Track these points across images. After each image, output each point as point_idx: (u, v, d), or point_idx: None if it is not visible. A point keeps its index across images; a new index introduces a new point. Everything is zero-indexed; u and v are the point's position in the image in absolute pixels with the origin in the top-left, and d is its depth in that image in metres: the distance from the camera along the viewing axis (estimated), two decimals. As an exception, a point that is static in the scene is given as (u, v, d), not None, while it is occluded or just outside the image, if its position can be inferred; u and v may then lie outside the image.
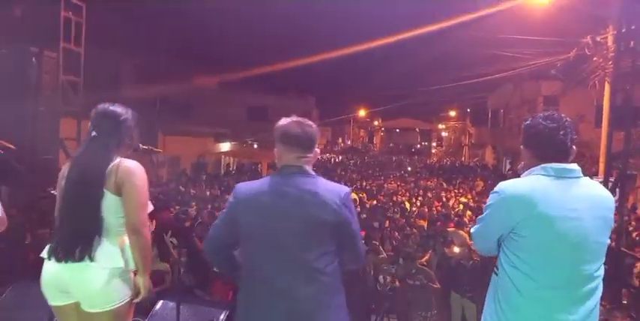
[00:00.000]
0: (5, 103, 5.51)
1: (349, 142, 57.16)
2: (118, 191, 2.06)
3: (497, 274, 1.89)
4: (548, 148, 1.85)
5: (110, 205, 2.06)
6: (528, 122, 1.93)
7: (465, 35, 14.78)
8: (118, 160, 2.13)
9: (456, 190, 16.47)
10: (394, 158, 39.82)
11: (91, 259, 2.00)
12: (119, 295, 2.06)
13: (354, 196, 13.11)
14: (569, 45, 11.33)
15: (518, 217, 1.77)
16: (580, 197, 1.80)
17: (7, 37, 5.89)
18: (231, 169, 20.06)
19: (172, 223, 8.51)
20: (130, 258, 2.09)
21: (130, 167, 2.13)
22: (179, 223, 8.37)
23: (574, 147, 1.89)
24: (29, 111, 5.79)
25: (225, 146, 21.96)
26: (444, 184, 18.86)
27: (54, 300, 2.08)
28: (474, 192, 16.05)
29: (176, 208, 9.57)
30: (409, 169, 27.10)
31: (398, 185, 17.80)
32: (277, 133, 2.00)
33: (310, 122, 2.03)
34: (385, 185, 17.56)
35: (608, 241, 1.87)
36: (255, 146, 25.40)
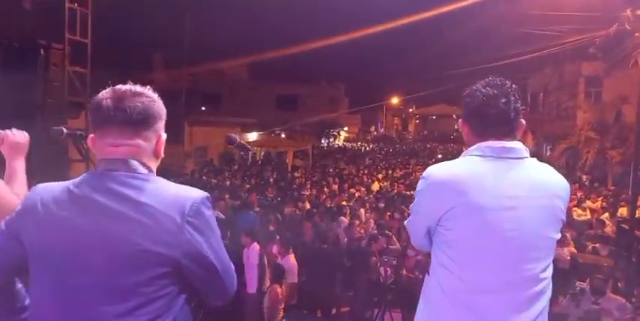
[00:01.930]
0: (15, 95, 5.64)
1: (382, 130, 56.37)
2: None
3: (428, 274, 1.56)
4: (485, 120, 1.50)
5: None
6: (467, 91, 1.56)
7: (497, 12, 13.95)
8: None
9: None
10: (428, 146, 38.92)
11: None
12: None
13: (375, 186, 12.95)
14: (607, 20, 10.45)
15: (445, 207, 1.44)
16: (521, 182, 1.45)
17: (18, 30, 6.01)
18: (258, 159, 20.18)
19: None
20: None
21: None
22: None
23: (521, 120, 1.53)
24: (38, 102, 5.89)
25: (252, 136, 22.08)
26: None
27: None
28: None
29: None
30: (439, 156, 26.39)
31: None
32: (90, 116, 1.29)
33: (147, 91, 1.26)
34: (414, 174, 17.14)
35: (558, 235, 1.49)
36: (283, 136, 25.44)
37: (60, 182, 1.25)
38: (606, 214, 8.71)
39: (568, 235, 6.64)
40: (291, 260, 5.47)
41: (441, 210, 1.45)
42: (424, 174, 1.53)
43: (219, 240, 1.25)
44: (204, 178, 13.01)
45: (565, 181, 1.54)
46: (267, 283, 5.24)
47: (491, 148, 1.47)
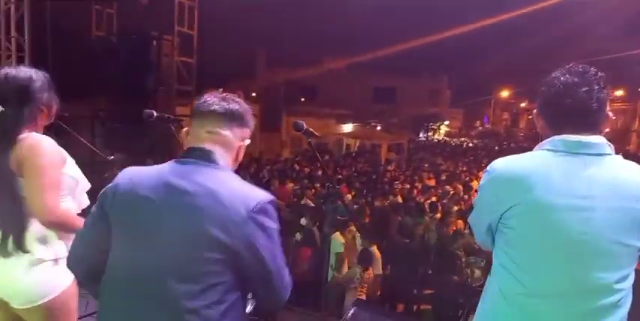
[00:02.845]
0: (131, 84, 6.27)
1: (488, 126, 52.93)
2: (19, 172, 1.68)
3: (490, 274, 1.46)
4: (562, 111, 1.33)
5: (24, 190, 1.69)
6: (546, 79, 1.39)
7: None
8: (25, 135, 1.71)
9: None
10: (539, 144, 35.67)
11: (23, 251, 1.70)
12: (52, 285, 1.74)
13: (475, 184, 12.12)
14: None
15: (508, 203, 1.33)
16: (598, 181, 1.28)
17: (135, 23, 6.64)
18: (351, 150, 20.24)
19: (289, 197, 8.97)
20: (57, 240, 1.77)
21: (33, 143, 1.68)
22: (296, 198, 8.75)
23: (608, 112, 1.34)
24: (150, 90, 6.46)
25: (347, 127, 22.19)
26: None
27: None
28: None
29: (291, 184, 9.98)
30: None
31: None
32: (193, 110, 1.45)
33: (244, 102, 1.44)
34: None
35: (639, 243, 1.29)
36: (378, 128, 25.14)
37: (148, 167, 1.38)
38: None
39: None
40: (374, 251, 5.40)
41: (503, 206, 1.35)
42: (488, 167, 1.43)
43: (276, 242, 1.31)
44: (297, 166, 13.36)
45: None
46: (345, 270, 5.27)
47: (564, 141, 1.33)
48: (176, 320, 1.22)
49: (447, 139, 37.10)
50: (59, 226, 1.71)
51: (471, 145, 33.80)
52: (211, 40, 8.00)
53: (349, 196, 9.06)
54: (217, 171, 1.32)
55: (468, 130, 48.49)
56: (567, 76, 1.34)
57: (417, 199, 9.17)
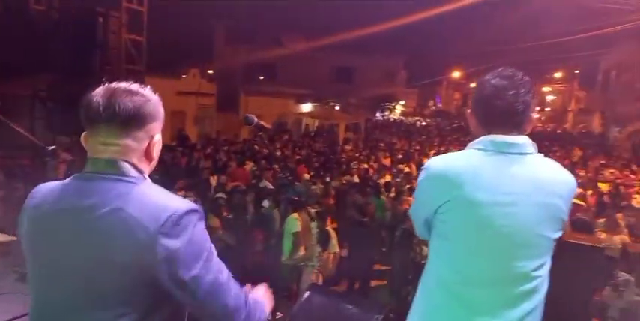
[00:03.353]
0: (75, 63, 5.93)
1: (440, 105, 54.37)
2: None
3: (427, 264, 1.58)
4: (491, 112, 1.45)
5: None
6: (477, 81, 1.54)
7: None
8: None
9: (554, 160, 14.85)
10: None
11: None
12: None
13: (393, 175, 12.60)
14: None
15: (441, 199, 1.45)
16: (521, 179, 1.41)
17: (78, -2, 6.23)
18: (310, 130, 20.28)
19: (248, 180, 8.92)
20: None
21: None
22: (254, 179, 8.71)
23: (531, 114, 1.47)
24: (96, 69, 6.15)
25: (306, 107, 22.13)
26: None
27: None
28: (567, 161, 14.42)
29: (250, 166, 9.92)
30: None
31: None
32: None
33: (143, 90, 1.20)
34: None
35: (557, 234, 1.45)
36: (337, 108, 25.25)
37: (58, 182, 1.23)
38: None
39: (622, 222, 6.25)
40: (330, 231, 5.54)
41: (437, 202, 1.46)
42: (425, 165, 1.55)
43: (203, 257, 1.12)
44: (256, 147, 13.27)
45: (571, 179, 1.50)
46: (302, 251, 5.38)
47: (492, 142, 1.44)
48: None
49: (403, 118, 37.85)
50: None
51: (424, 124, 34.72)
52: (165, 15, 7.65)
53: (307, 176, 9.16)
54: (124, 184, 1.14)
55: (421, 110, 49.61)
56: (497, 79, 1.45)
57: (373, 178, 9.42)
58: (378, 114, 34.25)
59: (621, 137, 14.94)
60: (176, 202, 1.13)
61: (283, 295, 5.11)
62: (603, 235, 5.85)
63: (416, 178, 9.48)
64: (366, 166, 11.02)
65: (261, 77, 25.63)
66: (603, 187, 9.41)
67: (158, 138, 1.23)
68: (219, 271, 1.16)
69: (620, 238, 5.85)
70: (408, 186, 8.46)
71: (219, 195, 6.47)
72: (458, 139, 21.19)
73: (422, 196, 1.55)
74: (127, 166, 1.17)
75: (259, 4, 21.02)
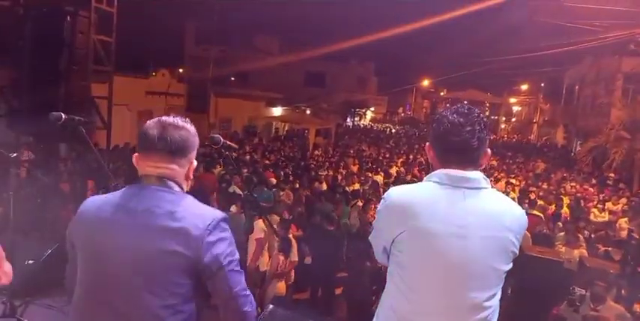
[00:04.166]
0: (41, 61, 5.75)
1: (410, 113, 55.40)
2: None
3: (384, 291, 1.62)
4: (448, 148, 1.52)
5: None
6: (436, 116, 1.60)
7: (536, 3, 13.29)
8: None
9: (517, 171, 15.41)
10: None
11: None
12: None
13: (394, 170, 12.82)
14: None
15: (398, 229, 1.51)
16: (473, 212, 1.47)
17: (46, -4, 6.05)
18: (280, 134, 20.25)
19: (216, 184, 8.82)
20: None
21: None
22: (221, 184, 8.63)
23: (486, 150, 1.54)
24: (63, 69, 5.98)
25: (277, 111, 22.10)
26: (496, 163, 17.76)
27: None
28: (530, 174, 15.01)
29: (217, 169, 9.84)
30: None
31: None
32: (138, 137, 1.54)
33: (187, 125, 1.51)
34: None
35: (507, 267, 1.51)
36: (308, 112, 25.34)
37: (107, 194, 1.52)
38: (625, 218, 8.42)
39: (581, 236, 6.46)
40: (291, 239, 5.57)
41: (394, 232, 1.51)
42: (385, 195, 1.61)
43: (232, 251, 1.47)
44: (223, 150, 13.13)
45: (521, 213, 1.55)
46: (266, 258, 5.42)
47: (448, 176, 1.50)
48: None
49: (372, 124, 38.36)
50: None
51: (393, 131, 35.30)
52: (135, 15, 7.51)
53: (273, 180, 9.17)
54: (173, 195, 1.45)
55: (391, 117, 50.43)
56: (454, 115, 1.52)
57: (342, 185, 9.51)
58: (348, 119, 34.58)
59: (582, 151, 15.62)
60: (214, 211, 1.49)
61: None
62: (563, 249, 5.96)
63: (383, 186, 9.70)
64: (332, 173, 11.13)
65: (233, 79, 25.43)
66: (564, 200, 9.73)
67: (195, 163, 1.57)
68: (240, 264, 1.49)
69: (579, 252, 5.93)
70: (375, 194, 8.61)
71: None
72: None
73: (380, 225, 1.60)
74: (172, 183, 1.48)
75: (231, 6, 20.89)
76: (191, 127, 1.52)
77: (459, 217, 1.46)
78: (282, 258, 5.14)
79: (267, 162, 11.88)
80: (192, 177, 1.57)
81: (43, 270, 3.62)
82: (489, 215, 1.48)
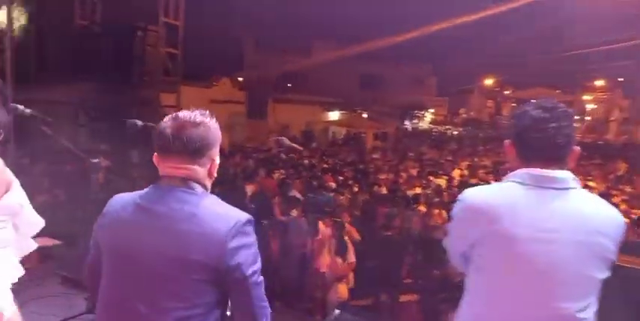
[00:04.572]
0: (115, 74, 6.19)
1: (472, 114, 53.34)
2: None
3: (463, 297, 1.54)
4: (531, 145, 1.42)
5: None
6: (516, 111, 1.49)
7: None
8: None
9: (595, 173, 14.23)
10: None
11: None
12: None
13: (457, 173, 12.34)
14: None
15: (477, 233, 1.42)
16: (562, 215, 1.35)
17: (119, 13, 6.52)
18: (337, 138, 20.29)
19: (276, 189, 8.99)
20: None
21: None
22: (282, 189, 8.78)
23: (574, 148, 1.43)
24: (135, 81, 6.40)
25: (333, 115, 22.19)
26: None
27: None
28: (610, 176, 13.81)
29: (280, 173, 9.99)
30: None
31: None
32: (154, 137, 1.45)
33: (205, 119, 1.39)
34: (506, 164, 15.92)
35: (604, 274, 1.38)
36: (365, 115, 25.19)
37: (132, 193, 1.46)
38: None
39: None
40: (347, 241, 5.56)
41: (473, 236, 1.44)
42: (460, 197, 1.51)
43: (257, 260, 1.37)
44: (283, 155, 13.37)
45: (617, 215, 1.43)
46: (327, 259, 5.42)
47: (531, 175, 1.40)
48: None
49: (433, 127, 37.38)
50: None
51: (455, 133, 34.13)
52: (198, 27, 7.87)
53: (333, 185, 9.16)
54: (194, 196, 1.37)
55: (452, 118, 48.83)
56: (538, 110, 1.41)
57: (402, 189, 9.30)
58: (406, 122, 33.96)
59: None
60: (237, 212, 1.38)
61: (306, 307, 5.13)
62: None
63: (446, 189, 9.40)
64: (393, 176, 10.92)
65: (290, 85, 25.92)
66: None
67: (217, 159, 1.46)
68: (260, 272, 1.39)
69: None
70: (437, 199, 8.32)
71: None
72: (492, 150, 20.75)
73: (457, 229, 1.53)
74: (194, 184, 1.39)
75: (288, 14, 21.33)
76: (211, 122, 1.40)
77: (545, 220, 1.35)
78: (339, 260, 5.14)
79: (325, 166, 11.91)
80: (215, 174, 1.47)
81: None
82: (580, 218, 1.36)
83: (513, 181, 1.43)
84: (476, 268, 1.45)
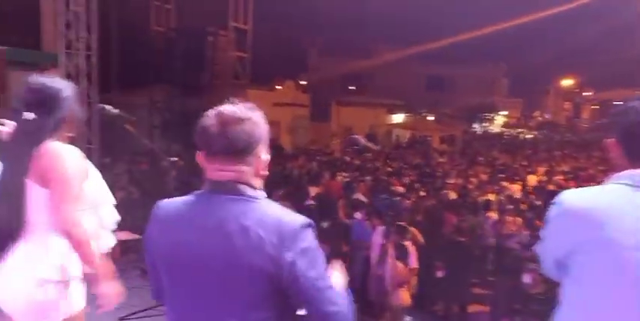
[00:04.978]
0: (188, 78, 6.44)
1: (547, 116, 50.07)
2: (43, 182, 1.65)
3: (557, 307, 1.41)
4: None
5: (36, 200, 1.65)
6: (619, 107, 1.38)
7: None
8: (49, 144, 1.68)
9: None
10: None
11: (11, 265, 1.64)
12: (52, 311, 1.65)
13: (533, 179, 11.51)
14: None
15: (576, 240, 1.30)
16: None
17: (192, 19, 6.80)
18: (401, 141, 19.84)
19: (341, 191, 8.95)
20: (66, 264, 1.69)
21: (57, 153, 1.65)
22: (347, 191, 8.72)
23: None
24: (206, 84, 6.62)
25: (397, 118, 21.77)
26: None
27: None
28: None
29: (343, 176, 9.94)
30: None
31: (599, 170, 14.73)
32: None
33: (251, 114, 1.26)
34: (586, 170, 14.70)
35: None
36: (430, 118, 24.46)
37: (178, 198, 1.35)
38: None
39: None
40: (408, 246, 5.34)
41: (571, 242, 1.32)
42: (557, 199, 1.38)
43: (319, 265, 1.25)
44: (347, 158, 13.28)
45: None
46: (390, 263, 5.26)
47: None
48: None
49: (504, 130, 35.52)
50: (75, 240, 1.64)
51: (529, 136, 32.17)
52: (264, 32, 8.03)
53: (398, 188, 8.91)
54: (244, 203, 1.25)
55: (526, 121, 46.12)
56: None
57: (472, 195, 8.83)
58: (475, 125, 32.53)
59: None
60: (292, 217, 1.25)
61: (371, 313, 5.01)
62: None
63: (522, 196, 8.78)
64: (461, 180, 10.42)
65: (353, 88, 25.83)
66: None
67: (265, 156, 1.32)
68: (328, 277, 1.28)
69: None
70: (511, 205, 7.79)
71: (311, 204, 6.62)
72: (569, 155, 19.27)
73: (554, 234, 1.40)
74: (243, 187, 1.26)
75: (351, 16, 21.27)
76: (256, 116, 1.27)
77: None
78: (400, 265, 4.96)
79: (389, 169, 11.66)
80: (265, 172, 1.33)
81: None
82: None
83: (620, 183, 1.31)
84: (574, 278, 1.33)
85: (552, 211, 1.38)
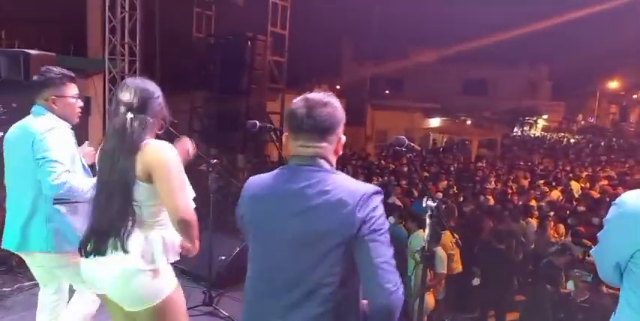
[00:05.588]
0: (227, 82, 6.60)
1: (592, 120, 47.88)
2: (147, 177, 1.80)
3: (614, 314, 1.36)
4: None
5: (141, 194, 1.81)
6: None
7: None
8: (147, 141, 1.83)
9: None
10: (654, 141, 31.41)
11: (121, 254, 1.79)
12: (153, 293, 1.84)
13: (576, 185, 11.01)
14: None
15: (639, 242, 1.25)
16: None
17: (231, 24, 6.97)
18: (438, 146, 19.48)
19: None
20: (159, 253, 1.86)
21: (158, 148, 1.81)
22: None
23: None
24: (244, 89, 6.75)
25: (434, 122, 21.39)
26: None
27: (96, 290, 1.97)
28: None
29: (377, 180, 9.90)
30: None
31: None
32: (285, 116, 1.55)
33: (332, 100, 1.48)
34: (631, 176, 13.95)
35: None
36: (469, 122, 23.91)
37: (265, 174, 1.57)
38: None
39: None
40: (438, 251, 5.22)
41: (633, 245, 1.27)
42: (617, 200, 1.35)
43: (385, 228, 1.40)
44: (382, 162, 13.19)
45: None
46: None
47: None
48: (312, 297, 1.39)
49: (546, 134, 34.25)
50: (189, 224, 1.80)
51: (572, 141, 30.88)
52: (300, 37, 8.13)
53: (440, 195, 8.75)
54: (324, 173, 1.45)
55: (569, 125, 44.28)
56: None
57: (512, 201, 8.57)
58: (516, 129, 31.53)
59: None
60: (365, 185, 1.43)
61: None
62: None
63: (565, 202, 8.44)
64: (501, 186, 10.13)
65: (388, 91, 25.62)
66: None
67: (343, 137, 1.53)
68: (387, 234, 1.41)
69: None
70: (552, 212, 7.51)
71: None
72: (616, 160, 18.35)
73: (613, 237, 1.35)
74: (322, 161, 1.47)
75: (386, 18, 21.14)
76: (336, 102, 1.49)
77: None
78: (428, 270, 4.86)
79: (426, 174, 11.48)
80: (341, 152, 1.55)
81: (232, 265, 4.06)
82: None
83: None
84: (635, 282, 1.29)
85: (611, 213, 1.35)
